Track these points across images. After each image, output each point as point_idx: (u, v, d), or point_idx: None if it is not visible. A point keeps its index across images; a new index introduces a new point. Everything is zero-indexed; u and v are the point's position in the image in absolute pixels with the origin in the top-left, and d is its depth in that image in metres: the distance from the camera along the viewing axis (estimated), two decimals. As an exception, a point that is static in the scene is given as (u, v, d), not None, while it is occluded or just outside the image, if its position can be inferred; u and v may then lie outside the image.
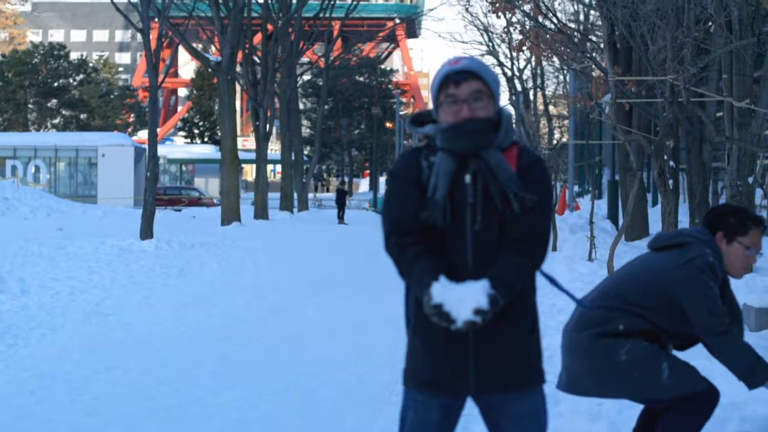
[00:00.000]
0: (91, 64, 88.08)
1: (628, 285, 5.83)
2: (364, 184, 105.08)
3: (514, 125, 4.18)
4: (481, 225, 4.00)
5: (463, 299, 3.72)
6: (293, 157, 50.05)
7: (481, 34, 51.96)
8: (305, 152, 71.81)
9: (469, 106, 4.01)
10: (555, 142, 49.86)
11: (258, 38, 48.00)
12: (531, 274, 4.03)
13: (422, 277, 3.88)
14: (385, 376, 9.39)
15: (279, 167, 64.53)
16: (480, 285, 3.78)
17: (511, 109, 55.47)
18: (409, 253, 3.98)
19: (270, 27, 45.16)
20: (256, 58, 44.42)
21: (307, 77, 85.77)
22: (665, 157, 18.28)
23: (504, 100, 57.91)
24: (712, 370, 8.49)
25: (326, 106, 75.97)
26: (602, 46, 21.90)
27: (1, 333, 11.78)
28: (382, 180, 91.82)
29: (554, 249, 22.43)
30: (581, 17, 33.77)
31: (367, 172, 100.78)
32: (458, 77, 4.03)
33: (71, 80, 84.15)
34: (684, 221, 24.23)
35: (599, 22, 25.38)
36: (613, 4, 17.29)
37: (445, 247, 4.02)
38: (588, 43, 25.05)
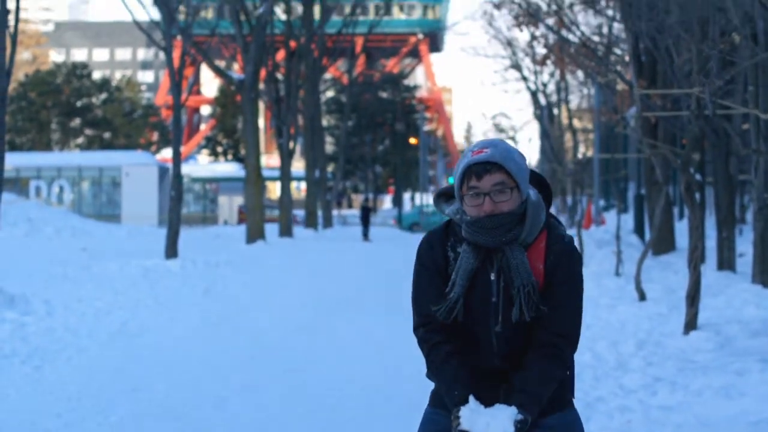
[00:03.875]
0: (113, 83, 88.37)
1: None
2: (388, 201, 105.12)
3: (542, 212, 4.02)
4: (503, 326, 3.90)
5: (490, 426, 3.75)
6: (317, 174, 50.05)
7: (505, 48, 51.86)
8: (329, 169, 71.88)
9: (491, 200, 3.86)
10: (580, 156, 49.83)
11: (281, 55, 48.09)
12: (560, 375, 3.95)
13: (452, 387, 3.86)
14: (413, 395, 9.32)
15: (303, 184, 64.56)
16: (507, 413, 3.75)
17: (535, 124, 55.38)
18: (438, 353, 3.93)
19: (293, 44, 45.26)
20: (279, 76, 44.52)
21: (330, 94, 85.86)
22: (692, 171, 18.19)
23: (529, 115, 57.75)
24: (742, 388, 8.41)
25: (350, 123, 75.99)
26: (627, 59, 21.84)
27: (27, 355, 11.79)
28: (407, 196, 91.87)
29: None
30: (605, 30, 33.65)
31: (392, 188, 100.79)
32: (480, 169, 3.86)
33: (94, 99, 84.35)
34: (711, 235, 24.10)
35: (623, 35, 25.30)
36: (637, 17, 17.23)
37: (472, 341, 3.96)
38: (612, 57, 24.99)
